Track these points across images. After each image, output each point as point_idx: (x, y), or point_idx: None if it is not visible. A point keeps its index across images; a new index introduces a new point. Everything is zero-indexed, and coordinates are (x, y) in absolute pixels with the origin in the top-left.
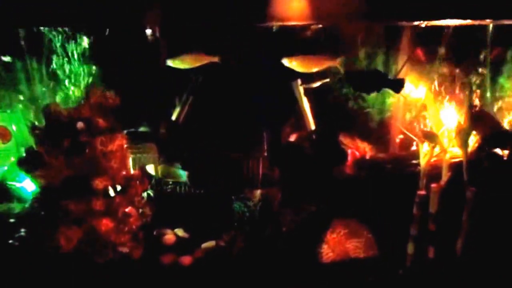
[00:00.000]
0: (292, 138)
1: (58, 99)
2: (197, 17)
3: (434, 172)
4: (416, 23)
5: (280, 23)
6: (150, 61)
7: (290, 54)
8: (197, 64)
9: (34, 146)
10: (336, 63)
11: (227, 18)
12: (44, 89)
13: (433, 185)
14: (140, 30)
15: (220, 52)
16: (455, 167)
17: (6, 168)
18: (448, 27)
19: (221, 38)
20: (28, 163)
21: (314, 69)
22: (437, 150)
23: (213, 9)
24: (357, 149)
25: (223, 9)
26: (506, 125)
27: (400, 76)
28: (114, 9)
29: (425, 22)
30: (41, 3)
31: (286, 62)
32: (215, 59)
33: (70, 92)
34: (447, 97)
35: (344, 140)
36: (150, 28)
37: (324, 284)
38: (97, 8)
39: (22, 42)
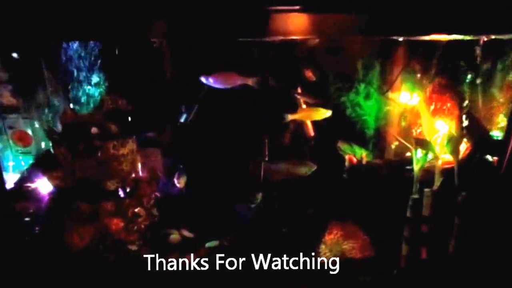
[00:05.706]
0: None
1: (73, 106)
2: (198, 30)
3: (427, 177)
4: (413, 37)
5: (280, 37)
6: (159, 70)
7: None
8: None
9: (51, 149)
10: (248, 82)
11: (227, 31)
12: (61, 97)
13: (426, 189)
14: (148, 40)
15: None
16: (447, 173)
17: (25, 169)
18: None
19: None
20: (45, 165)
21: (228, 86)
22: (430, 156)
23: (213, 23)
24: (355, 155)
25: (223, 23)
26: (496, 133)
27: (395, 86)
28: (122, 21)
29: (422, 37)
30: (53, 18)
31: (203, 79)
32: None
33: (85, 99)
34: (439, 106)
35: (342, 146)
36: (158, 39)
37: (321, 283)
38: (106, 20)
39: (39, 52)
